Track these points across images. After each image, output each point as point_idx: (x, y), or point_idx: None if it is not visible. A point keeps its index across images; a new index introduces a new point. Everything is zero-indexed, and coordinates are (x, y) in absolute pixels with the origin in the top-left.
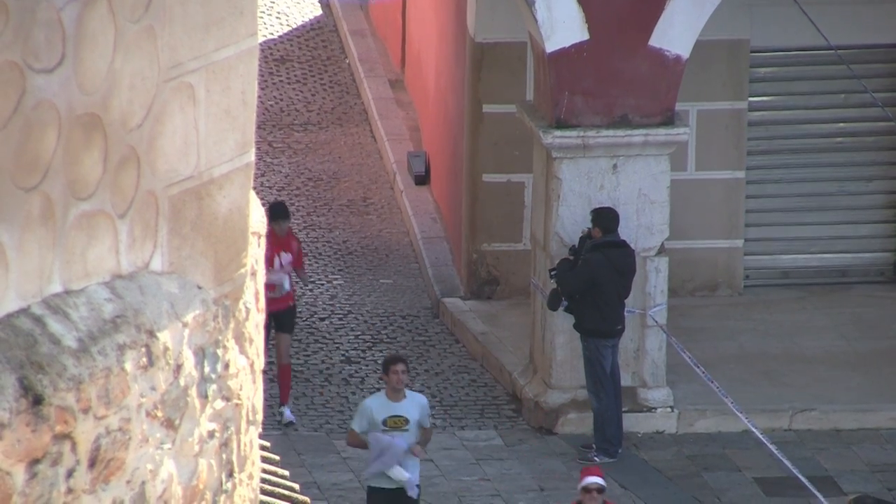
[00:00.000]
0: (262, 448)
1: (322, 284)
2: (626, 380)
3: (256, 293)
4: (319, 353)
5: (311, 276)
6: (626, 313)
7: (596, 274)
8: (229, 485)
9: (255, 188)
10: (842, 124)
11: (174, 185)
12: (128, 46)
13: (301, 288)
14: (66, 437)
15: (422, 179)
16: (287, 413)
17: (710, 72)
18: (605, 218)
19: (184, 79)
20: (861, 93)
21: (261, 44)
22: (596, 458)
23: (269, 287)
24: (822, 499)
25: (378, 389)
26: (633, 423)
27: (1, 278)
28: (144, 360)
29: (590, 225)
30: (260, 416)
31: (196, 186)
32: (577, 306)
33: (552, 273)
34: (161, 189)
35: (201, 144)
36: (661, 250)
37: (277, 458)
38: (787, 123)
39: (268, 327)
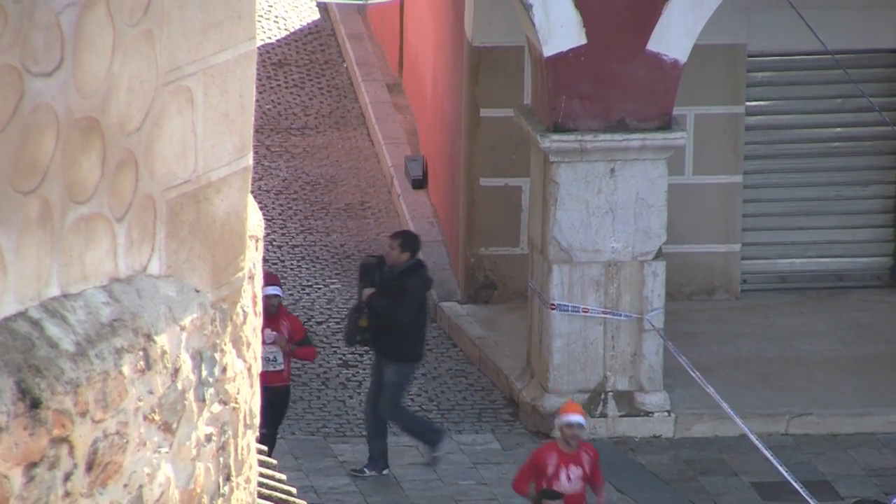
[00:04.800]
0: (260, 452)
1: (319, 288)
2: (623, 384)
3: (254, 297)
4: (316, 357)
5: (308, 280)
6: (623, 317)
7: (422, 298)
8: (226, 489)
9: (252, 192)
10: (839, 129)
11: (172, 189)
12: (126, 50)
13: (299, 292)
14: (64, 440)
15: (419, 183)
16: None
17: (707, 76)
18: (414, 241)
19: (182, 82)
20: (858, 97)
21: (259, 48)
22: (366, 471)
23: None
24: None
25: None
26: (630, 427)
27: None
28: (142, 363)
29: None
30: (257, 420)
31: (194, 190)
32: (397, 335)
33: (364, 311)
34: (159, 192)
35: (199, 148)
36: (659, 254)
37: (275, 461)
38: (785, 128)
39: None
